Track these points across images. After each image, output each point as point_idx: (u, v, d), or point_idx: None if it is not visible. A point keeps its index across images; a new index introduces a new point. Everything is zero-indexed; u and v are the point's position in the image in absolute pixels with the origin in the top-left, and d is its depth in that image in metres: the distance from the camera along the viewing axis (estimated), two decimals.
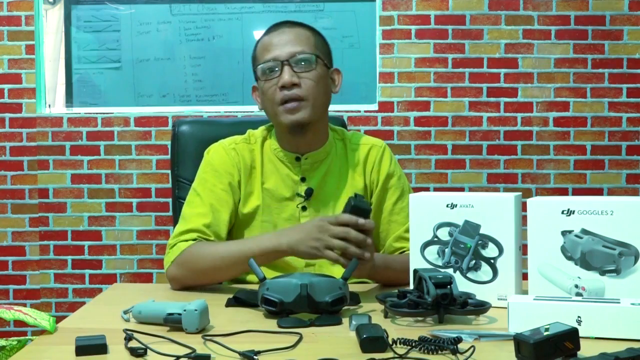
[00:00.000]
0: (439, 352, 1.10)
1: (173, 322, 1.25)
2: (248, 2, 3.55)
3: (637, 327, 1.14)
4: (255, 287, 1.43)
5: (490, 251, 1.42)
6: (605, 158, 3.47)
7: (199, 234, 1.66)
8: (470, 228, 1.43)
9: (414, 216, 1.48)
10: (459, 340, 1.11)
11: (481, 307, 1.31)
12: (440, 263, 1.46)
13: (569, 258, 1.33)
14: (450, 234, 1.45)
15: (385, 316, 1.34)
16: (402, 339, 1.13)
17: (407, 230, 1.67)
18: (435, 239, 1.46)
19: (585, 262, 1.32)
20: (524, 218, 1.38)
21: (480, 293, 1.38)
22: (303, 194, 1.72)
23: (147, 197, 3.46)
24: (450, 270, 1.44)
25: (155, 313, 1.29)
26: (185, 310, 1.23)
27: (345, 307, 1.37)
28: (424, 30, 3.45)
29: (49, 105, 3.52)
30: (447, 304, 1.28)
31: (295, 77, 1.64)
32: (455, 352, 1.09)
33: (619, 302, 1.19)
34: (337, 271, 1.55)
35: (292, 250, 1.53)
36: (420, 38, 3.44)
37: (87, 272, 3.46)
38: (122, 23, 3.55)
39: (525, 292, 1.38)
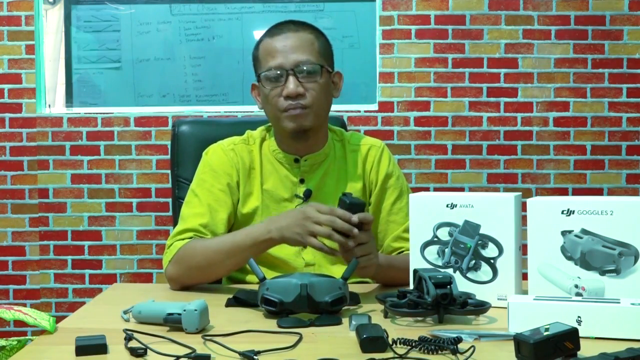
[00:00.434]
0: (439, 352, 1.10)
1: (173, 322, 1.25)
2: (248, 2, 3.55)
3: (637, 327, 1.14)
4: (255, 287, 1.43)
5: (490, 251, 1.42)
6: (605, 158, 3.47)
7: (195, 233, 1.66)
8: (470, 228, 1.43)
9: (414, 216, 1.48)
10: (459, 340, 1.11)
11: (481, 307, 1.31)
12: (440, 263, 1.46)
13: (569, 258, 1.33)
14: (450, 234, 1.45)
15: (385, 316, 1.34)
16: (402, 339, 1.13)
17: (405, 230, 1.67)
18: (435, 239, 1.46)
19: (585, 262, 1.32)
20: (524, 218, 1.39)
21: (480, 293, 1.38)
22: (302, 195, 1.72)
23: (147, 197, 3.46)
24: (450, 270, 1.44)
25: (155, 313, 1.29)
26: (185, 310, 1.23)
27: (345, 307, 1.37)
28: (424, 30, 3.44)
29: (49, 105, 3.52)
30: (447, 304, 1.28)
31: (300, 87, 1.64)
32: (455, 352, 1.09)
33: (619, 302, 1.19)
34: (337, 271, 1.55)
35: (280, 237, 1.52)
36: (420, 38, 3.44)
37: (87, 272, 3.46)
38: (122, 23, 3.55)
39: (525, 292, 1.38)
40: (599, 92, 3.46)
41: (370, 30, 3.50)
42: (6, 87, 3.44)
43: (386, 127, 3.41)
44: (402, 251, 1.73)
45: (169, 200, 3.40)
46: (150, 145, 3.46)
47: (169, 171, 3.41)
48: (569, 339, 1.02)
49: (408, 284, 1.50)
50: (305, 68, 1.65)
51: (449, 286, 1.28)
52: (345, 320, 1.30)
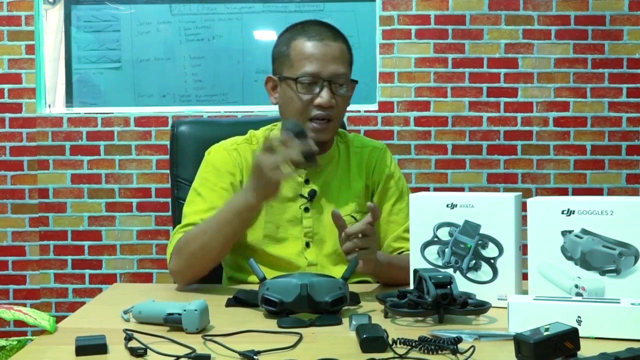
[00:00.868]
0: (439, 352, 1.10)
1: (173, 322, 1.25)
2: (248, 2, 3.55)
3: (637, 327, 1.14)
4: (255, 287, 1.43)
5: (490, 251, 1.42)
6: (605, 158, 3.47)
7: (195, 226, 1.65)
8: (470, 228, 1.43)
9: (414, 216, 1.48)
10: (459, 340, 1.11)
11: (481, 307, 1.31)
12: (440, 263, 1.46)
13: (569, 258, 1.33)
14: (450, 234, 1.45)
15: (385, 316, 1.34)
16: (402, 339, 1.13)
17: (405, 230, 1.67)
18: (435, 239, 1.46)
19: (585, 262, 1.32)
20: (524, 218, 1.38)
21: (480, 293, 1.38)
22: (306, 195, 1.72)
23: (147, 197, 3.46)
24: (450, 270, 1.44)
25: (155, 313, 1.29)
26: (185, 310, 1.23)
27: (345, 307, 1.37)
28: (424, 30, 3.45)
29: (49, 105, 3.52)
30: (447, 304, 1.28)
31: (333, 99, 1.65)
32: (455, 352, 1.09)
33: (619, 302, 1.19)
34: (339, 271, 1.55)
35: (256, 198, 1.50)
36: (420, 38, 3.44)
37: (87, 272, 3.46)
38: (122, 23, 3.55)
39: (525, 292, 1.38)
40: (599, 92, 3.46)
41: (370, 30, 3.50)
42: (6, 87, 3.44)
43: (386, 127, 3.41)
44: (402, 251, 1.73)
45: (169, 200, 3.39)
46: (150, 145, 3.46)
47: (168, 171, 3.42)
48: (569, 339, 1.02)
49: (408, 284, 1.50)
50: (340, 81, 1.66)
51: (449, 286, 1.28)
52: (345, 320, 1.30)
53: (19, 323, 1.40)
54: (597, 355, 0.99)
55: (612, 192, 3.46)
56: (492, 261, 1.42)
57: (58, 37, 3.55)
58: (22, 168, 3.45)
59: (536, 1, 3.45)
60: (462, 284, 1.42)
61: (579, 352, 1.03)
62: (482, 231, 1.42)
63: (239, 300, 1.46)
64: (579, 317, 1.17)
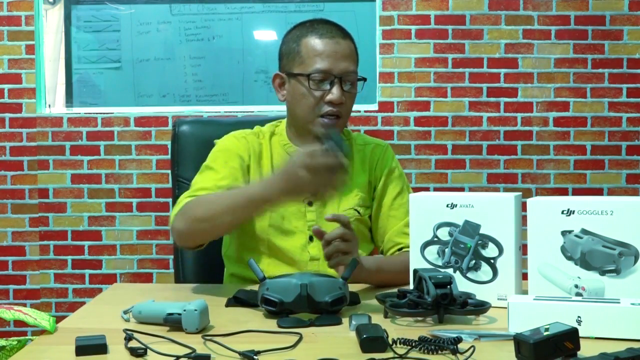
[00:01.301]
0: (439, 352, 1.10)
1: (173, 322, 1.25)
2: (248, 2, 3.55)
3: (637, 327, 1.14)
4: (255, 287, 1.43)
5: (490, 251, 1.42)
6: (605, 158, 3.47)
7: (208, 191, 1.64)
8: (470, 228, 1.43)
9: (414, 216, 1.48)
10: (459, 340, 1.11)
11: (481, 307, 1.31)
12: (440, 263, 1.46)
13: (569, 258, 1.33)
14: (450, 234, 1.45)
15: (385, 316, 1.34)
16: (402, 339, 1.13)
17: (406, 225, 1.68)
18: (435, 239, 1.46)
19: (585, 262, 1.32)
20: (524, 218, 1.39)
21: (480, 293, 1.38)
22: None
23: (147, 197, 3.46)
24: (450, 270, 1.44)
25: (155, 313, 1.29)
26: (185, 310, 1.23)
27: (345, 307, 1.37)
28: (424, 30, 3.44)
29: (49, 105, 3.52)
30: (447, 304, 1.28)
31: (343, 96, 1.67)
32: (455, 352, 1.09)
33: (619, 302, 1.19)
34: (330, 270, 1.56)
35: (278, 197, 1.45)
36: (420, 38, 3.44)
37: (87, 272, 3.46)
38: (122, 23, 3.55)
39: (525, 292, 1.38)
40: (599, 92, 3.46)
41: (370, 30, 3.50)
42: (6, 87, 3.44)
43: (386, 127, 3.41)
44: (403, 247, 1.74)
45: (169, 200, 3.40)
46: (150, 145, 3.46)
47: (169, 171, 3.41)
48: (569, 339, 1.02)
49: (400, 285, 1.50)
50: (350, 78, 1.69)
51: (449, 286, 1.28)
52: (345, 320, 1.30)
53: (19, 323, 1.40)
54: (597, 355, 0.99)
55: (612, 192, 3.46)
56: (492, 261, 1.42)
57: (58, 37, 3.55)
58: (22, 168, 3.45)
59: (536, 1, 3.45)
60: (462, 284, 1.42)
61: (579, 352, 1.03)
62: (482, 231, 1.42)
63: (239, 300, 1.46)
64: (579, 317, 1.17)
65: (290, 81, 1.72)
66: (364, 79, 1.74)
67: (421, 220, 1.47)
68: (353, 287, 1.49)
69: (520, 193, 1.46)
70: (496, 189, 3.44)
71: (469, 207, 1.43)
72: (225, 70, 3.56)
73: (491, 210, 1.42)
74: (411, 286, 1.42)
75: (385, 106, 3.44)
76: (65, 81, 3.56)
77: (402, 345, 1.12)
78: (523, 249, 1.42)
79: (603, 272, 1.31)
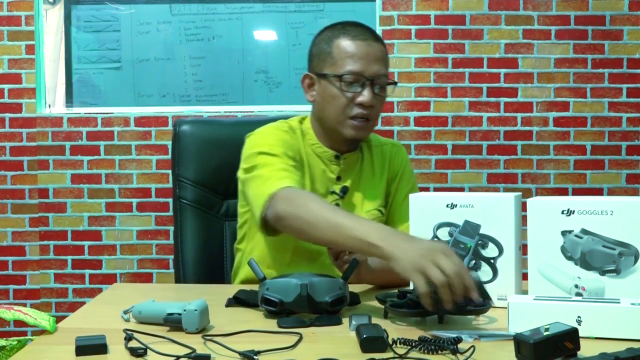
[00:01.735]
0: (439, 352, 1.10)
1: (173, 322, 1.25)
2: (248, 2, 3.55)
3: (637, 327, 1.14)
4: (255, 287, 1.43)
5: (490, 251, 1.42)
6: (605, 158, 3.47)
7: (291, 173, 1.60)
8: (470, 228, 1.43)
9: (414, 216, 1.48)
10: (459, 340, 1.11)
11: (481, 307, 1.31)
12: None
13: (569, 258, 1.33)
14: (450, 234, 1.45)
15: (385, 316, 1.34)
16: (402, 339, 1.13)
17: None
18: (435, 239, 1.46)
19: (585, 262, 1.32)
20: (524, 218, 1.39)
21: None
22: (338, 192, 1.73)
23: (147, 197, 3.46)
24: None
25: (155, 313, 1.29)
26: (185, 310, 1.23)
27: (345, 307, 1.37)
28: (424, 30, 3.44)
29: (49, 105, 3.52)
30: None
31: (374, 99, 1.68)
32: (455, 352, 1.09)
33: (619, 302, 1.18)
34: (338, 271, 1.56)
35: (389, 254, 1.28)
36: (420, 38, 3.44)
37: (87, 272, 3.46)
38: (122, 23, 3.55)
39: (525, 292, 1.38)
40: (599, 92, 3.46)
41: None
42: (6, 87, 3.44)
43: (386, 127, 3.41)
44: None
45: (169, 200, 3.40)
46: (150, 145, 3.46)
47: (169, 171, 3.42)
48: (569, 339, 1.02)
49: (402, 285, 1.50)
50: (381, 81, 1.69)
51: None
52: (345, 320, 1.30)
53: (19, 323, 1.41)
54: (597, 355, 0.99)
55: (612, 192, 3.46)
56: (492, 261, 1.42)
57: (58, 37, 3.55)
58: (22, 168, 3.45)
59: (536, 1, 3.45)
60: None
61: (579, 352, 1.03)
62: (482, 231, 1.42)
63: (239, 300, 1.46)
64: (579, 317, 1.17)
65: (320, 82, 1.71)
66: (395, 83, 1.74)
67: (421, 220, 1.47)
68: (353, 287, 1.49)
69: (520, 193, 1.46)
70: (496, 189, 3.44)
71: (469, 207, 1.43)
72: (225, 70, 3.56)
73: (491, 210, 1.42)
74: (411, 286, 1.42)
75: (385, 106, 3.42)
76: (65, 81, 3.56)
77: (402, 345, 1.12)
78: (523, 249, 1.42)
79: (603, 272, 1.31)
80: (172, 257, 3.40)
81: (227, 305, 1.46)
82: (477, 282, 1.26)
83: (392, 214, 1.82)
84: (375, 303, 1.42)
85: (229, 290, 1.57)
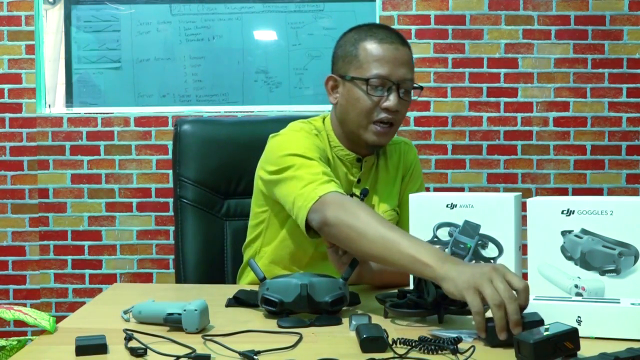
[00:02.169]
0: (439, 352, 1.10)
1: (173, 322, 1.25)
2: (248, 2, 3.55)
3: (637, 327, 1.14)
4: (255, 287, 1.43)
5: (490, 251, 1.42)
6: (605, 158, 3.47)
7: (331, 177, 1.56)
8: (470, 228, 1.43)
9: (414, 216, 1.48)
10: (459, 340, 1.11)
11: None
12: None
13: (569, 258, 1.33)
14: (450, 234, 1.44)
15: (385, 316, 1.34)
16: (402, 339, 1.13)
17: None
18: (435, 239, 1.46)
19: (585, 262, 1.32)
20: (524, 218, 1.38)
21: None
22: (359, 194, 1.72)
23: (147, 197, 3.46)
24: None
25: (155, 313, 1.29)
26: (185, 310, 1.23)
27: (345, 307, 1.37)
28: (424, 30, 3.45)
29: (49, 105, 3.52)
30: (447, 304, 1.28)
31: (399, 103, 1.67)
32: (455, 352, 1.09)
33: (619, 302, 1.18)
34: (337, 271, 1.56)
35: (441, 277, 1.22)
36: (420, 38, 3.44)
37: (87, 272, 3.46)
38: (122, 23, 3.55)
39: None
40: (599, 92, 3.46)
41: None
42: (6, 87, 3.44)
43: None
44: None
45: (169, 200, 3.40)
46: (151, 145, 3.46)
47: (169, 171, 3.42)
48: (569, 339, 1.02)
49: (401, 285, 1.50)
50: (407, 86, 1.68)
51: None
52: (345, 320, 1.30)
53: (19, 323, 1.41)
54: (597, 355, 0.99)
55: (612, 192, 3.46)
56: (492, 261, 1.42)
57: (58, 37, 3.55)
58: (22, 168, 3.45)
59: (536, 1, 3.45)
60: None
61: (579, 352, 1.03)
62: (482, 231, 1.42)
63: (239, 300, 1.46)
64: (579, 317, 1.17)
65: (345, 84, 1.69)
66: (421, 88, 1.74)
67: (421, 220, 1.47)
68: (353, 287, 1.49)
69: (520, 193, 1.46)
70: (496, 189, 3.44)
71: (468, 207, 1.43)
72: (225, 70, 3.56)
73: (491, 210, 1.42)
74: (411, 286, 1.42)
75: None
76: (65, 81, 3.56)
77: (402, 345, 1.12)
78: (523, 249, 1.42)
79: (603, 272, 1.31)
80: (172, 257, 3.40)
81: (227, 305, 1.46)
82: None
83: (400, 211, 1.82)
84: (375, 303, 1.42)
85: (229, 290, 1.57)
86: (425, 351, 1.10)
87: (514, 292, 1.15)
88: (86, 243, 3.46)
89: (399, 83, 1.66)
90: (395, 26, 3.43)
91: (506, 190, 3.44)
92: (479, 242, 1.42)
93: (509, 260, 1.41)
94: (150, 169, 3.46)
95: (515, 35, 3.45)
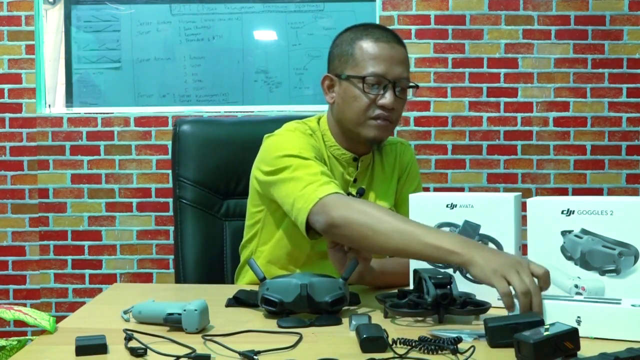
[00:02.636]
0: (439, 352, 1.10)
1: (173, 322, 1.25)
2: (248, 2, 3.55)
3: (637, 329, 1.14)
4: (254, 287, 1.43)
5: None
6: (605, 158, 3.47)
7: (330, 177, 1.57)
8: (470, 228, 1.43)
9: (414, 216, 1.48)
10: (459, 340, 1.11)
11: (481, 307, 1.31)
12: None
13: (569, 258, 1.33)
14: None
15: (385, 316, 1.34)
16: (402, 339, 1.13)
17: None
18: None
19: (585, 262, 1.32)
20: (524, 218, 1.38)
21: (480, 293, 1.38)
22: (355, 193, 1.73)
23: (147, 197, 3.46)
24: (450, 270, 1.44)
25: (155, 313, 1.29)
26: (185, 310, 1.23)
27: (345, 307, 1.37)
28: (424, 30, 3.45)
29: (49, 105, 3.52)
30: (447, 304, 1.28)
31: (396, 101, 1.67)
32: (455, 352, 1.09)
33: (619, 303, 1.18)
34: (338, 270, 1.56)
35: (469, 260, 1.26)
36: (420, 38, 3.44)
37: (87, 272, 3.46)
38: (122, 23, 3.55)
39: None
40: (599, 92, 3.46)
41: None
42: (6, 87, 3.44)
43: None
44: None
45: (169, 200, 3.40)
46: (150, 145, 3.46)
47: (169, 171, 3.42)
48: (569, 339, 1.02)
49: (401, 285, 1.50)
50: (403, 84, 1.69)
51: (449, 286, 1.28)
52: (345, 320, 1.30)
53: (19, 323, 1.41)
54: (597, 355, 0.99)
55: (612, 192, 3.46)
56: None
57: (58, 37, 3.55)
58: (22, 168, 3.45)
59: (536, 1, 3.45)
60: (462, 284, 1.42)
61: (579, 352, 1.03)
62: (482, 231, 1.42)
63: (239, 300, 1.46)
64: (578, 317, 1.17)
65: (341, 83, 1.70)
66: (416, 86, 1.74)
67: (421, 220, 1.47)
68: (353, 287, 1.49)
69: (520, 193, 1.46)
70: (496, 189, 3.44)
71: (468, 207, 1.43)
72: (225, 70, 3.56)
73: (491, 211, 1.42)
74: (411, 286, 1.42)
75: None
76: (65, 81, 3.56)
77: (402, 345, 1.12)
78: (523, 249, 1.42)
79: (603, 272, 1.31)
80: (172, 257, 3.40)
81: (227, 305, 1.46)
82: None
83: (397, 208, 1.83)
84: (375, 303, 1.42)
85: (229, 290, 1.57)
86: (425, 351, 1.10)
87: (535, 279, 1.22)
88: (86, 243, 3.46)
89: (395, 81, 1.67)
90: (395, 26, 3.43)
91: (506, 190, 3.44)
92: (479, 242, 1.42)
93: None
94: (150, 169, 3.46)
95: (515, 35, 3.45)
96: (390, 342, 1.12)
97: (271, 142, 1.70)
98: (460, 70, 3.45)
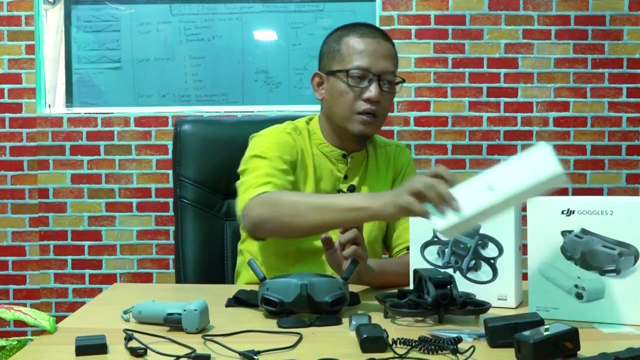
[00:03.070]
0: (439, 352, 1.10)
1: (173, 322, 1.25)
2: (248, 2, 3.55)
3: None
4: (255, 287, 1.43)
5: (490, 251, 1.42)
6: (605, 158, 3.47)
7: (275, 178, 1.61)
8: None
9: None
10: (459, 340, 1.11)
11: (481, 307, 1.31)
12: (440, 263, 1.46)
13: (569, 258, 1.33)
14: None
15: (385, 316, 1.34)
16: (402, 339, 1.13)
17: None
18: (435, 239, 1.46)
19: (585, 262, 1.32)
20: (524, 218, 1.38)
21: (480, 293, 1.38)
22: (345, 190, 1.75)
23: (147, 197, 3.46)
24: (450, 270, 1.44)
25: (155, 313, 1.29)
26: (185, 310, 1.23)
27: (345, 307, 1.37)
28: (424, 30, 3.44)
29: (49, 105, 3.52)
30: (447, 304, 1.28)
31: (381, 95, 1.68)
32: (455, 352, 1.09)
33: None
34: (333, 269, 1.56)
35: (381, 208, 1.33)
36: (420, 38, 3.44)
37: (87, 272, 3.46)
38: (122, 23, 3.55)
39: (525, 292, 1.38)
40: (599, 92, 3.46)
41: None
42: (6, 87, 3.44)
43: (386, 127, 3.41)
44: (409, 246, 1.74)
45: (169, 200, 3.40)
46: (151, 145, 3.46)
47: (169, 171, 3.42)
48: (569, 339, 1.02)
49: (401, 286, 1.50)
50: (388, 78, 1.70)
51: (449, 286, 1.28)
52: (345, 320, 1.30)
53: (19, 323, 1.40)
54: (597, 355, 0.99)
55: (612, 192, 3.46)
56: (492, 261, 1.42)
57: (58, 37, 3.55)
58: (22, 168, 3.45)
59: (536, 1, 3.45)
60: (462, 284, 1.42)
61: (579, 352, 1.03)
62: (481, 231, 1.42)
63: (239, 300, 1.46)
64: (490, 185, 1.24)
65: (329, 79, 1.73)
66: (403, 80, 1.75)
67: (421, 220, 1.47)
68: (353, 287, 1.49)
69: None
70: None
71: None
72: (225, 70, 3.56)
73: None
74: (411, 286, 1.42)
75: None
76: (65, 81, 3.56)
77: (402, 345, 1.12)
78: (523, 249, 1.42)
79: (603, 272, 1.31)
80: (172, 257, 3.40)
81: (227, 305, 1.46)
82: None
83: None
84: (375, 303, 1.42)
85: (229, 290, 1.57)
86: (425, 351, 1.10)
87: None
88: (86, 243, 3.46)
89: (379, 75, 1.68)
90: (395, 26, 3.43)
91: None
92: (479, 241, 1.43)
93: (509, 260, 1.41)
94: (150, 169, 3.46)
95: (515, 35, 3.45)
96: (390, 342, 1.12)
97: (250, 142, 1.75)
98: (460, 70, 3.45)
